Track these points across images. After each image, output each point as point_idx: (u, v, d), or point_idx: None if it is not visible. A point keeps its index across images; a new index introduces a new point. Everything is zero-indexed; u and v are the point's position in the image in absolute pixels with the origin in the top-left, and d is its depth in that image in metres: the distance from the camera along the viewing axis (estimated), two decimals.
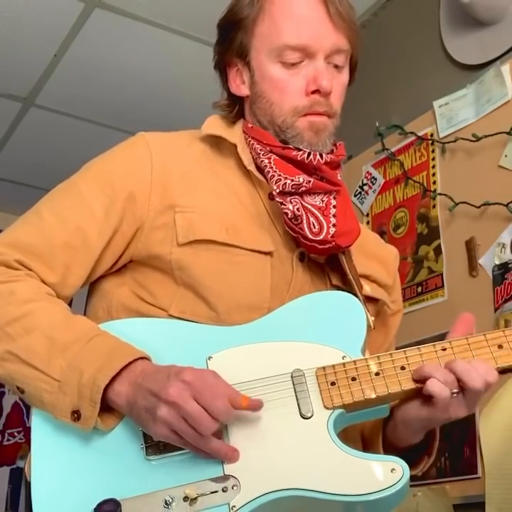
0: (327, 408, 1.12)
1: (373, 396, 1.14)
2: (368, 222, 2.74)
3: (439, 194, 2.44)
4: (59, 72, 3.23)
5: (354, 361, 1.16)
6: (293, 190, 1.28)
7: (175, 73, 3.25)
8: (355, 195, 2.78)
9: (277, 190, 1.27)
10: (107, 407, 1.11)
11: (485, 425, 2.08)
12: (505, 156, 2.24)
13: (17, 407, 4.24)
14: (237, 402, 1.07)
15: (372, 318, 1.29)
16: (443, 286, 2.38)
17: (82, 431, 1.10)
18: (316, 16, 1.30)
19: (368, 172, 2.77)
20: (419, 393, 1.15)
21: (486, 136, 2.27)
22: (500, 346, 1.17)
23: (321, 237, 1.26)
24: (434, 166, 2.50)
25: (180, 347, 1.13)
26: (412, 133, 2.59)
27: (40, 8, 2.87)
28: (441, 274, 2.39)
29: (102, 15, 2.93)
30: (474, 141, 2.31)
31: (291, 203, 1.27)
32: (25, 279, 1.20)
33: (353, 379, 1.14)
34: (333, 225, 1.28)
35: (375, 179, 2.74)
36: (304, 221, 1.26)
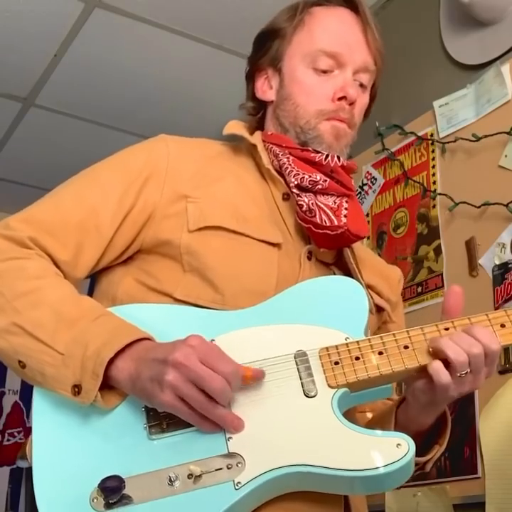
0: (331, 387, 1.13)
1: (377, 374, 1.14)
2: (368, 222, 2.74)
3: (439, 194, 2.44)
4: (59, 72, 3.23)
5: (357, 342, 1.17)
6: (309, 186, 1.31)
7: (175, 73, 3.25)
8: None
9: (295, 183, 1.31)
10: (109, 387, 1.11)
11: (485, 425, 2.08)
12: (505, 156, 2.24)
13: (17, 407, 4.24)
14: (242, 373, 1.08)
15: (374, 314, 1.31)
16: (443, 286, 2.38)
17: (81, 405, 1.10)
18: (352, 32, 1.39)
19: (368, 172, 2.77)
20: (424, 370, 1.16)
21: (486, 136, 2.27)
22: (502, 325, 1.19)
23: (332, 225, 1.29)
24: (434, 166, 2.50)
25: (183, 331, 1.13)
26: (412, 133, 2.59)
27: (40, 9, 2.87)
28: (441, 274, 2.39)
29: (102, 15, 2.93)
30: (474, 141, 2.31)
31: (307, 197, 1.31)
32: (36, 258, 1.22)
33: (357, 358, 1.15)
34: (344, 224, 1.31)
35: (375, 179, 2.74)
36: (317, 216, 1.29)
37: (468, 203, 2.30)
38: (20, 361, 1.14)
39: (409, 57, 2.72)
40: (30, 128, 3.63)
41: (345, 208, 1.33)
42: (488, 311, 1.20)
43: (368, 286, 1.35)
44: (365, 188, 2.77)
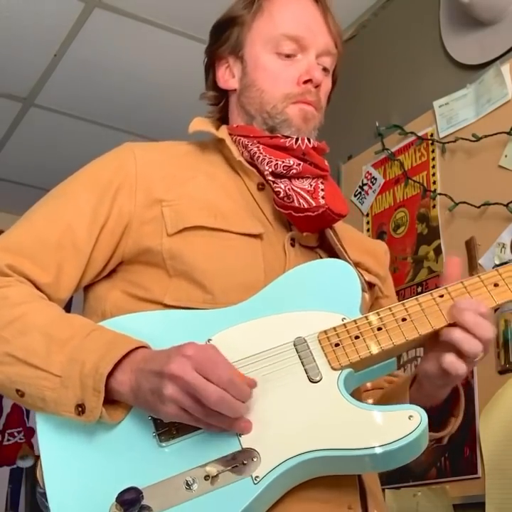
0: (335, 369, 1.13)
1: (379, 351, 1.14)
2: (367, 222, 2.74)
3: (439, 194, 2.44)
4: (59, 72, 3.23)
5: (354, 320, 1.17)
6: (284, 172, 1.30)
7: (175, 73, 3.25)
8: (355, 195, 2.78)
9: (269, 170, 1.30)
10: (112, 401, 1.10)
11: (485, 425, 2.08)
12: (505, 156, 2.24)
13: (17, 407, 4.24)
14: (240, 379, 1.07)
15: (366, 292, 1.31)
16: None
17: (87, 424, 1.09)
18: (312, 16, 1.39)
19: (368, 172, 2.77)
20: (435, 345, 1.17)
21: (486, 136, 2.27)
22: (496, 285, 1.19)
23: (312, 206, 1.28)
24: (434, 166, 2.50)
25: (178, 335, 1.12)
26: (412, 133, 2.59)
27: (40, 9, 2.88)
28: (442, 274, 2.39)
29: (102, 15, 2.93)
30: (474, 141, 2.31)
31: (283, 184, 1.29)
32: (16, 285, 1.20)
33: (356, 337, 1.15)
34: (324, 204, 1.29)
35: (375, 179, 2.74)
36: (295, 201, 1.28)
37: (468, 203, 2.30)
38: (18, 390, 1.13)
39: (409, 57, 2.71)
40: (30, 128, 3.63)
41: (322, 189, 1.32)
42: (480, 273, 1.21)
43: (356, 264, 1.34)
44: (365, 188, 2.77)
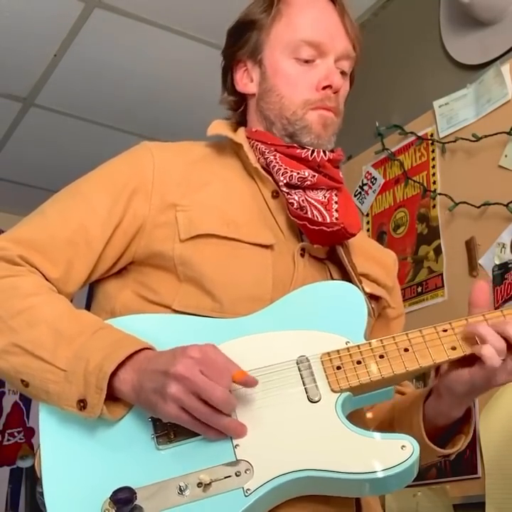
0: (334, 391, 1.14)
1: (379, 378, 1.15)
2: (367, 222, 2.74)
3: (439, 194, 2.44)
4: (59, 72, 3.23)
5: (358, 346, 1.18)
6: (299, 183, 1.31)
7: (175, 73, 3.25)
8: (355, 195, 2.78)
9: (284, 181, 1.31)
10: (113, 398, 1.12)
11: (485, 425, 2.08)
12: (505, 156, 2.24)
13: (17, 407, 4.24)
14: (233, 376, 1.08)
15: (373, 305, 1.32)
16: (443, 286, 2.38)
17: (88, 419, 1.10)
18: (331, 20, 1.38)
19: (368, 172, 2.77)
20: (462, 360, 1.18)
21: (486, 136, 2.27)
22: None
23: (328, 221, 1.29)
24: (434, 166, 2.50)
25: (184, 340, 1.13)
26: (412, 133, 2.59)
27: (40, 8, 2.87)
28: (441, 274, 2.39)
29: (102, 15, 2.93)
30: (474, 141, 2.31)
31: (297, 195, 1.30)
32: (27, 275, 1.22)
33: (358, 362, 1.16)
34: (336, 219, 1.31)
35: (375, 179, 2.74)
36: (309, 212, 1.29)
37: (468, 203, 2.30)
38: (22, 380, 1.15)
39: (409, 57, 2.72)
40: (30, 128, 3.63)
41: (336, 202, 1.33)
42: (485, 312, 1.21)
43: (363, 275, 1.35)
44: (365, 188, 2.77)
